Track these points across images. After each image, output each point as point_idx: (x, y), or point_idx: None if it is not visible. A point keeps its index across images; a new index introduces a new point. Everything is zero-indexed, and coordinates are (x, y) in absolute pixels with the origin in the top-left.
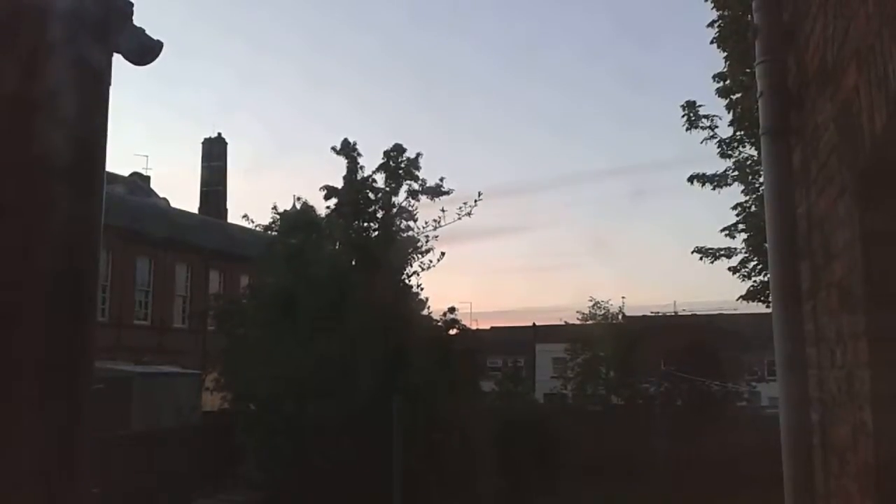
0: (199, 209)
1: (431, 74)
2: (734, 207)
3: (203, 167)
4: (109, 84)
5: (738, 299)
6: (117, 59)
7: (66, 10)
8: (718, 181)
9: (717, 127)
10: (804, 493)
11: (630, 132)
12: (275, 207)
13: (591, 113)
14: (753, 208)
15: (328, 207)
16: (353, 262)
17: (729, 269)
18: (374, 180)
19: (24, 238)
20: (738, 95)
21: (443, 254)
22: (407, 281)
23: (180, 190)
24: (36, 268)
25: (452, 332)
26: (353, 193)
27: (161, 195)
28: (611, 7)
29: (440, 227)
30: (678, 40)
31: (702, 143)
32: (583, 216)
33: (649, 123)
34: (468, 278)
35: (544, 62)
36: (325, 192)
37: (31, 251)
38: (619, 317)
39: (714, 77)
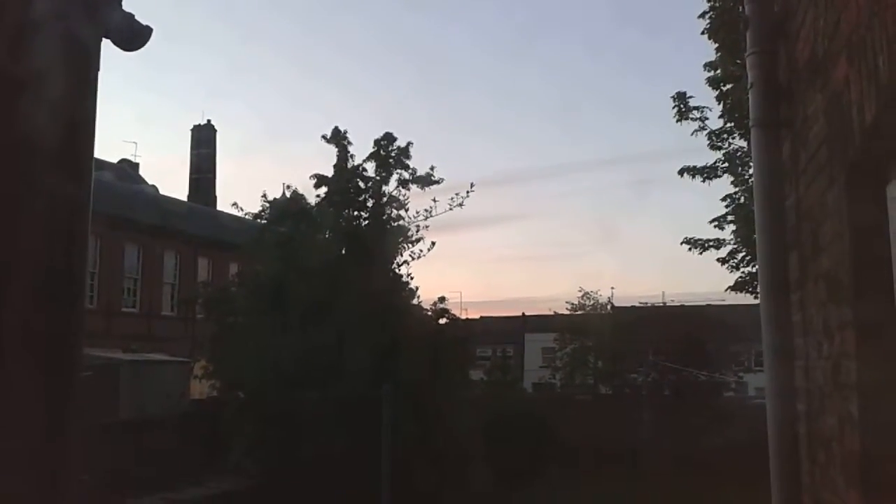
0: (189, 196)
1: (426, 62)
2: (724, 199)
3: (192, 154)
4: (98, 69)
5: (726, 290)
6: (106, 45)
7: None
8: (708, 173)
9: (707, 119)
10: (790, 483)
11: (625, 123)
12: (264, 195)
13: (587, 103)
14: (743, 199)
15: (318, 196)
16: (343, 251)
17: (718, 259)
18: (365, 169)
19: (10, 222)
20: (729, 87)
21: (433, 243)
22: (397, 270)
23: (169, 177)
24: (23, 253)
25: (442, 321)
26: (344, 182)
27: (150, 182)
28: None
29: (431, 216)
30: (680, 30)
31: (692, 134)
32: (576, 207)
33: (645, 114)
34: (459, 268)
35: (542, 51)
36: (316, 180)
37: (18, 236)
38: (609, 307)
39: (705, 66)
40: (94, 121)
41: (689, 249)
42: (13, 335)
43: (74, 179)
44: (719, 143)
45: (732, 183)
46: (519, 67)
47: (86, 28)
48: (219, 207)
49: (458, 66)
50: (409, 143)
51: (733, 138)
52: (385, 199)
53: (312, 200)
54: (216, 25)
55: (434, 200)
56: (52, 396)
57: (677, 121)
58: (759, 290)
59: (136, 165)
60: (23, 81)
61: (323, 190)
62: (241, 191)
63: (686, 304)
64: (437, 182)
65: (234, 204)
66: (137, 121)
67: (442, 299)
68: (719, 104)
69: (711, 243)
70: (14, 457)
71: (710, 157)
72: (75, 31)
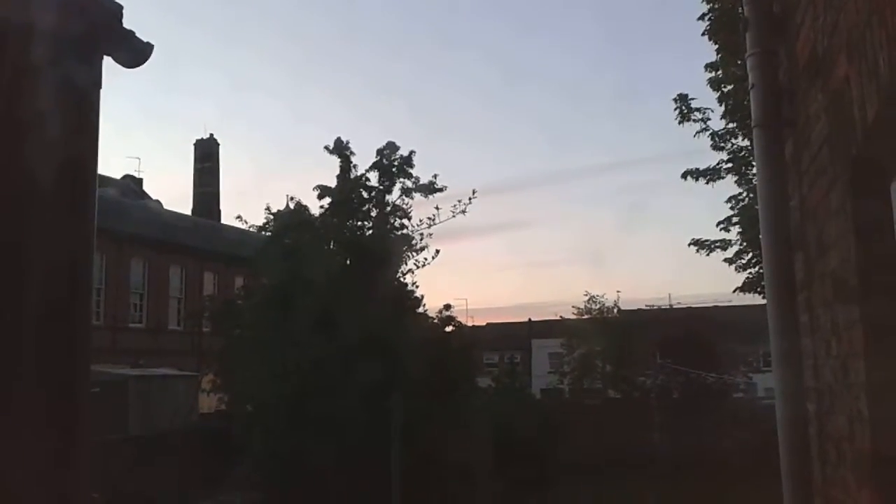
0: (193, 211)
1: (424, 81)
2: (728, 200)
3: (196, 169)
4: (100, 91)
5: (734, 291)
6: (108, 63)
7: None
8: (711, 175)
9: (709, 119)
10: (802, 483)
11: (627, 129)
12: (268, 208)
13: (587, 111)
14: (747, 200)
15: (322, 207)
16: (348, 261)
17: (724, 260)
18: (368, 179)
19: (15, 244)
20: (730, 87)
21: (437, 251)
22: (402, 279)
23: (173, 191)
24: (32, 279)
25: (448, 329)
26: (347, 192)
27: (154, 197)
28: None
29: (435, 224)
30: (675, 38)
31: (694, 136)
32: (578, 212)
33: (647, 120)
34: (464, 275)
35: (537, 60)
36: (319, 191)
37: (25, 255)
38: (615, 311)
39: (706, 67)
40: (97, 140)
41: (697, 251)
42: (25, 357)
43: (77, 208)
44: (722, 144)
45: (736, 183)
46: (517, 80)
47: (85, 63)
48: (223, 221)
49: (458, 82)
50: (411, 152)
51: (736, 139)
52: (388, 208)
53: (316, 211)
54: (220, 44)
55: (437, 208)
56: (64, 415)
57: (679, 122)
58: (765, 290)
59: (140, 181)
60: (25, 121)
61: (326, 201)
62: (246, 204)
63: (693, 306)
64: (441, 190)
65: (239, 217)
66: (140, 136)
67: (448, 307)
68: (721, 105)
69: (718, 244)
70: (28, 473)
71: (713, 160)
72: (74, 69)
